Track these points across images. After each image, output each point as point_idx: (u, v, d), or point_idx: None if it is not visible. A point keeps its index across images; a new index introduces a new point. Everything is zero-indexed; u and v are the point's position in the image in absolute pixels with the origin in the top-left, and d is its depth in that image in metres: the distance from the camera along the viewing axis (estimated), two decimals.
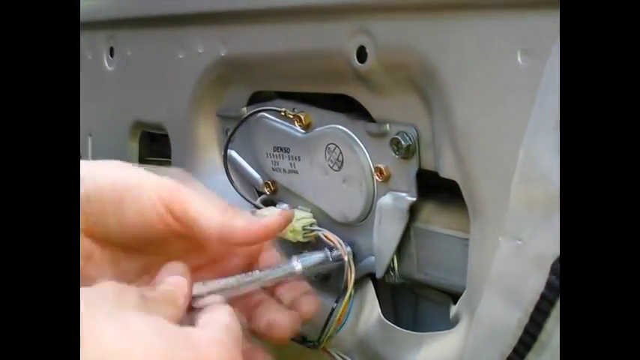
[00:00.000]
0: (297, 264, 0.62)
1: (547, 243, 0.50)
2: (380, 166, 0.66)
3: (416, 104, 0.62)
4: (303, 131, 0.72)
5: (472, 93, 0.56)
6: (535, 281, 0.51)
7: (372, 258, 0.68)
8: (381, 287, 0.70)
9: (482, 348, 0.56)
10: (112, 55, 0.92)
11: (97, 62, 0.94)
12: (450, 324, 0.62)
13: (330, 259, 0.66)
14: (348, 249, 0.68)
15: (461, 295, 0.62)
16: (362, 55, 0.63)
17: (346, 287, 0.65)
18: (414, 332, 0.66)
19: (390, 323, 0.68)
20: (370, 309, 0.69)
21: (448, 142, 0.59)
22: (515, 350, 0.53)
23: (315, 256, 0.65)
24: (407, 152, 0.63)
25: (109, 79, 0.93)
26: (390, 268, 0.67)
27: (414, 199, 0.64)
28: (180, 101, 0.82)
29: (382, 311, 0.69)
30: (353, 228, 0.70)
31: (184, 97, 0.81)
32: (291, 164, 0.74)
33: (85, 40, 0.90)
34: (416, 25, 0.59)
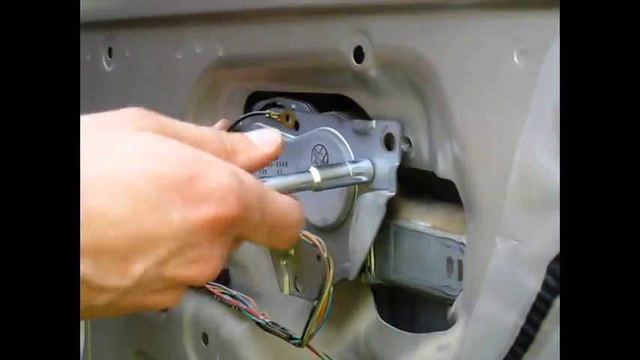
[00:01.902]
0: (317, 175, 0.62)
1: (544, 243, 0.50)
2: None
3: (413, 104, 0.62)
4: (292, 136, 0.71)
5: (469, 93, 0.57)
6: (531, 281, 0.51)
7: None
8: (378, 287, 0.70)
9: (480, 348, 0.56)
10: (110, 56, 0.92)
11: (96, 63, 0.94)
12: (447, 324, 0.62)
13: (351, 173, 0.65)
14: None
15: (434, 295, 0.62)
16: (359, 55, 0.63)
17: (324, 286, 0.65)
18: (411, 333, 0.66)
19: (387, 324, 0.68)
20: (367, 310, 0.70)
21: (445, 142, 0.59)
22: (512, 350, 0.53)
23: (337, 169, 0.64)
24: (388, 146, 0.63)
25: (107, 79, 0.93)
26: (366, 267, 0.67)
27: (393, 194, 0.64)
28: (178, 101, 0.82)
29: (379, 312, 0.69)
30: (332, 234, 0.69)
31: (182, 98, 0.81)
32: (278, 171, 0.73)
33: (84, 40, 0.90)
34: (413, 25, 0.59)
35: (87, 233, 0.46)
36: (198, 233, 0.48)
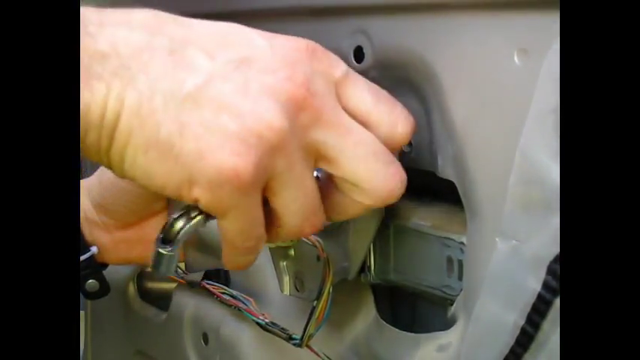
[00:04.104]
0: None
1: (544, 243, 0.50)
2: None
3: (413, 104, 0.62)
4: None
5: (469, 93, 0.57)
6: (532, 282, 0.51)
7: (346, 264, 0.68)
8: (378, 287, 0.70)
9: (480, 348, 0.56)
10: None
11: None
12: (447, 324, 0.62)
13: None
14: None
15: (434, 295, 0.62)
16: (359, 55, 0.63)
17: (324, 286, 0.65)
18: (411, 333, 0.66)
19: (387, 324, 0.68)
20: (367, 310, 0.70)
21: (445, 142, 0.59)
22: (512, 350, 0.53)
23: None
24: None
25: None
26: (366, 267, 0.67)
27: None
28: None
29: (379, 312, 0.69)
30: (331, 234, 0.69)
31: None
32: None
33: None
34: (413, 25, 0.59)
35: (176, 29, 0.52)
36: (282, 50, 0.52)
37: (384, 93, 0.57)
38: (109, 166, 0.53)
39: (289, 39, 0.54)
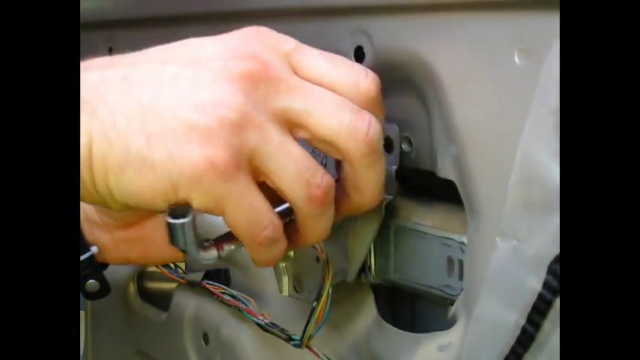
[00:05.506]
0: None
1: (544, 243, 0.50)
2: None
3: (414, 104, 0.62)
4: None
5: (469, 93, 0.57)
6: (532, 281, 0.51)
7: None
8: (378, 287, 0.70)
9: (481, 348, 0.56)
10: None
11: None
12: (447, 324, 0.62)
13: None
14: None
15: (435, 295, 0.62)
16: (359, 55, 0.63)
17: (323, 287, 0.65)
18: (412, 333, 0.66)
19: (387, 324, 0.68)
20: (368, 310, 0.70)
21: (445, 142, 0.59)
22: (513, 350, 0.53)
23: None
24: (387, 149, 0.63)
25: None
26: (367, 267, 0.67)
27: (391, 197, 0.64)
28: None
29: (380, 312, 0.69)
30: (331, 235, 0.69)
31: None
32: None
33: (84, 40, 0.90)
34: (414, 25, 0.59)
35: (126, 59, 0.56)
36: (227, 38, 0.55)
37: (339, 57, 0.58)
38: (104, 203, 0.54)
39: (234, 31, 0.56)
